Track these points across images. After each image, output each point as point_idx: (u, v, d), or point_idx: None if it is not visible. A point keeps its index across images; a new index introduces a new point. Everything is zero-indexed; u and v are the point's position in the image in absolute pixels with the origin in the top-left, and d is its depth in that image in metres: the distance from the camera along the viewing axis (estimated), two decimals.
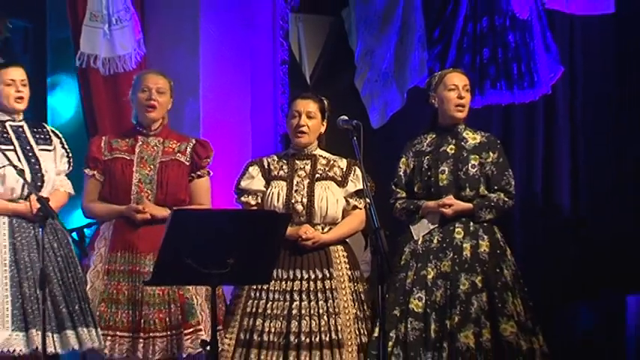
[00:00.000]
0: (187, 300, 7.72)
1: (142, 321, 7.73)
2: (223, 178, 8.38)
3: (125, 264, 7.72)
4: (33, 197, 7.46)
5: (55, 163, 7.85)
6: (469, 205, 7.95)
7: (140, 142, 7.92)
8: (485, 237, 7.98)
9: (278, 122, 9.17)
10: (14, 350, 7.46)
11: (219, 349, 7.55)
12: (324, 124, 7.99)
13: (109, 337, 7.71)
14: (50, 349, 7.43)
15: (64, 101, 10.17)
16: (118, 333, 7.72)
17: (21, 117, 7.84)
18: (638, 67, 9.41)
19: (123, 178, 7.85)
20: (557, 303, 8.99)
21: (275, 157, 8.03)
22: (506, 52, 9.42)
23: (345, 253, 7.95)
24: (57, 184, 7.81)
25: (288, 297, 7.77)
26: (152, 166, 7.86)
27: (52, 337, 7.36)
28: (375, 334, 7.75)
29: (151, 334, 7.74)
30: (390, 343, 7.79)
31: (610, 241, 9.33)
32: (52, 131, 8.01)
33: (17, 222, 7.62)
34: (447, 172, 8.00)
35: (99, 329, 7.67)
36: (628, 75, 9.46)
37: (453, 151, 8.06)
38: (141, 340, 7.74)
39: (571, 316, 9.05)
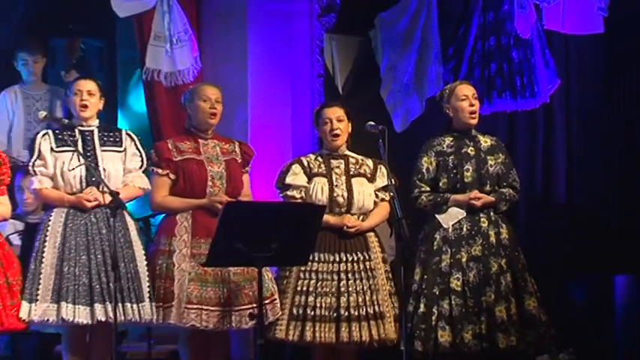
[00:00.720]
0: (262, 277, 7.62)
1: (230, 296, 7.80)
2: (267, 175, 8.44)
3: (208, 248, 7.60)
4: (92, 189, 7.57)
5: (123, 162, 7.86)
6: (492, 198, 8.05)
7: (201, 144, 7.95)
8: (504, 225, 8.10)
9: (314, 127, 8.89)
10: (51, 321, 7.45)
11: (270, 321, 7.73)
12: (350, 127, 8.08)
13: (203, 312, 7.71)
14: (100, 317, 7.42)
15: (133, 109, 10.40)
16: (210, 307, 7.72)
17: (92, 122, 7.86)
18: (625, 77, 9.42)
19: (199, 175, 7.86)
20: (554, 282, 8.98)
21: (312, 157, 8.09)
22: (511, 67, 9.50)
23: (377, 239, 8.05)
24: (129, 179, 7.84)
25: (335, 277, 7.83)
26: (219, 164, 7.90)
27: (115, 309, 7.23)
28: (421, 309, 7.91)
29: (238, 307, 7.79)
30: (434, 318, 7.89)
31: (600, 228, 9.38)
32: (128, 134, 8.02)
33: (72, 212, 7.64)
34: (471, 171, 8.09)
35: (153, 303, 7.69)
36: (615, 81, 9.47)
37: (473, 152, 8.15)
38: (230, 313, 7.79)
39: (566, 294, 9.09)
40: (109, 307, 7.39)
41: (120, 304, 7.47)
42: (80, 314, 7.44)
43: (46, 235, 7.59)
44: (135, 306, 7.60)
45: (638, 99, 9.34)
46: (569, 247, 9.55)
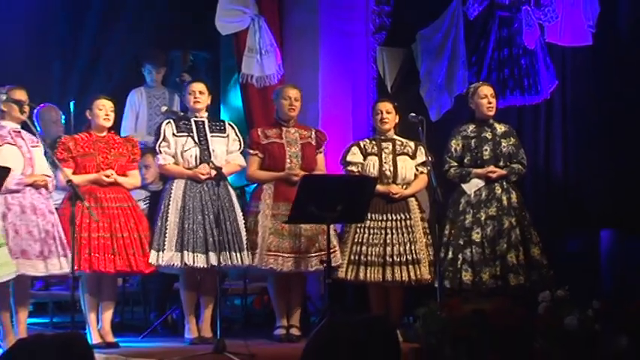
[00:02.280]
0: (319, 232, 7.82)
1: (301, 246, 7.93)
2: (334, 154, 8.49)
3: (285, 210, 7.75)
4: (205, 165, 7.72)
5: (226, 145, 8.00)
6: (504, 172, 8.16)
7: (284, 131, 8.11)
8: (514, 192, 8.19)
9: (369, 117, 8.90)
10: (175, 265, 7.66)
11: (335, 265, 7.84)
12: (397, 117, 8.18)
13: (279, 257, 7.87)
14: (213, 262, 7.59)
15: (232, 105, 10.54)
16: (284, 254, 7.87)
17: (202, 115, 7.99)
18: (608, 79, 9.33)
19: (279, 155, 8.02)
20: (554, 235, 8.94)
21: (367, 141, 8.22)
22: (520, 71, 9.48)
23: (417, 202, 8.14)
24: (230, 158, 7.98)
25: (383, 232, 7.98)
26: (296, 146, 8.06)
27: (218, 256, 7.46)
28: (449, 256, 8.03)
29: (308, 255, 7.94)
30: (459, 263, 8.00)
31: (589, 194, 9.39)
32: (229, 124, 8.21)
33: (190, 183, 7.81)
34: (488, 150, 8.18)
35: (247, 252, 7.83)
36: (601, 82, 9.37)
37: (490, 137, 8.23)
38: (301, 258, 7.94)
39: (563, 245, 9.02)
40: (220, 255, 7.54)
41: (227, 253, 7.70)
42: (198, 260, 7.65)
43: (169, 200, 7.77)
44: (237, 254, 7.77)
45: (619, 95, 9.23)
46: (565, 209, 9.51)
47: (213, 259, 7.60)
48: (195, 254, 7.68)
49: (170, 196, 7.82)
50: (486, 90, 8.31)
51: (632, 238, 8.68)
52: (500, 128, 8.33)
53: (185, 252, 7.68)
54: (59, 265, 7.37)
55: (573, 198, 9.55)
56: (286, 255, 7.90)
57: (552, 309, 6.94)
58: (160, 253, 7.70)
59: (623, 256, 8.77)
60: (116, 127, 8.28)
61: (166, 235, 7.72)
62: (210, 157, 7.81)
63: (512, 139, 8.33)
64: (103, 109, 7.81)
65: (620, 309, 6.89)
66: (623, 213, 8.97)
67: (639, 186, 9.01)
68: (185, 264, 7.67)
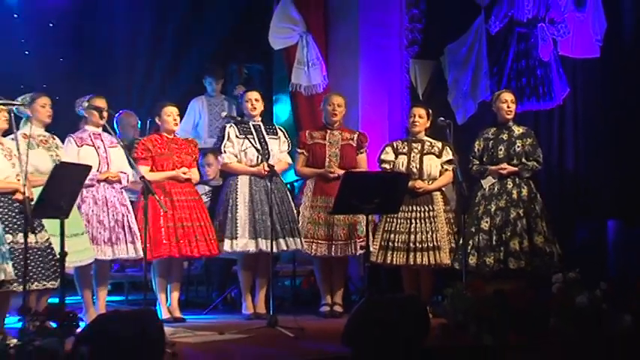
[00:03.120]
0: (358, 221, 7.90)
1: (333, 234, 7.98)
2: (372, 153, 8.46)
3: (322, 202, 7.97)
4: (264, 163, 7.73)
5: (279, 146, 8.05)
6: (516, 168, 8.09)
7: (328, 133, 8.15)
8: (525, 187, 8.09)
9: (403, 121, 8.94)
10: (250, 250, 7.75)
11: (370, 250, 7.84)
12: (428, 121, 8.16)
13: (313, 243, 7.98)
14: (283, 247, 7.81)
15: (283, 111, 10.54)
16: (319, 241, 7.98)
17: (258, 119, 8.05)
18: (614, 87, 9.25)
19: (320, 154, 8.10)
20: (567, 225, 8.87)
21: (399, 142, 8.22)
22: (536, 81, 9.39)
23: (442, 196, 8.11)
24: (281, 157, 8.05)
25: (408, 221, 7.97)
26: (337, 147, 8.11)
27: (272, 243, 7.46)
28: (461, 242, 7.92)
29: (339, 242, 8.00)
30: (469, 248, 7.93)
31: (597, 189, 9.29)
32: (280, 128, 8.27)
33: (254, 178, 7.89)
34: (503, 150, 8.11)
35: (302, 238, 7.93)
36: (608, 90, 9.27)
37: (506, 138, 8.17)
38: (332, 245, 8.00)
39: (575, 233, 8.97)
40: (280, 241, 7.70)
41: (283, 239, 7.80)
42: (267, 245, 7.64)
43: (236, 194, 7.84)
44: (291, 240, 7.85)
45: (623, 102, 9.15)
46: (575, 202, 9.41)
47: (282, 244, 7.79)
48: (265, 240, 7.72)
49: (237, 191, 7.88)
50: (507, 96, 8.27)
51: (635, 228, 8.63)
52: (517, 130, 8.26)
53: (259, 239, 7.74)
54: (126, 251, 7.46)
55: (583, 192, 9.45)
56: (320, 241, 7.99)
57: (565, 290, 6.88)
58: (234, 240, 7.77)
59: (626, 243, 8.72)
60: None
61: (238, 225, 7.78)
62: (269, 156, 7.86)
63: (529, 139, 8.25)
64: (171, 115, 7.88)
65: (624, 290, 6.85)
66: (627, 205, 8.89)
67: None
68: (260, 250, 7.72)
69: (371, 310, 5.98)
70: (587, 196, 9.40)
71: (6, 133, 6.72)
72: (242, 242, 7.75)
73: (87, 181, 7.13)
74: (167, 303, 7.85)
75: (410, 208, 8.00)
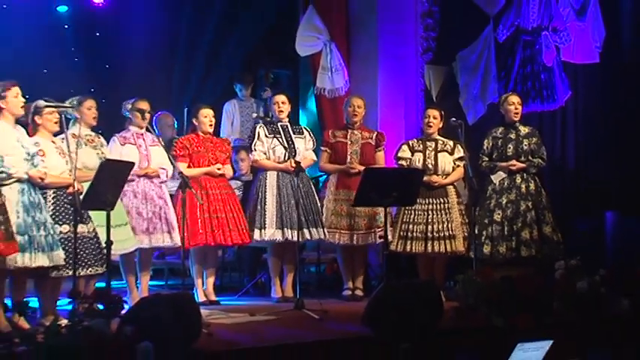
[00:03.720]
0: (378, 213, 7.86)
1: (355, 224, 7.97)
2: (390, 151, 8.42)
3: (344, 195, 7.96)
4: (292, 160, 7.73)
5: (304, 144, 8.05)
6: (524, 165, 8.07)
7: (349, 132, 8.15)
8: (532, 182, 8.09)
9: (418, 121, 8.97)
10: (277, 239, 7.76)
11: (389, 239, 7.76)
12: (441, 122, 8.13)
13: (337, 233, 8.00)
14: (307, 237, 7.80)
15: (308, 112, 10.52)
16: (342, 231, 8.00)
17: (285, 120, 8.05)
18: (613, 90, 9.25)
19: (342, 151, 8.10)
20: (569, 216, 8.85)
21: (415, 140, 8.19)
22: (540, 84, 9.37)
23: (454, 190, 8.08)
24: (307, 154, 8.06)
25: (425, 213, 7.94)
26: (357, 145, 8.10)
27: (299, 232, 7.53)
28: (476, 232, 7.89)
29: (360, 231, 8.00)
30: (483, 238, 7.94)
31: (597, 183, 9.26)
32: (305, 128, 8.30)
33: (281, 174, 7.90)
34: (511, 148, 8.09)
35: (325, 229, 7.94)
36: (607, 92, 9.29)
37: (514, 137, 8.13)
38: (354, 234, 8.01)
39: (576, 224, 8.92)
40: (304, 231, 7.69)
41: (307, 230, 7.80)
42: (294, 235, 7.67)
43: (265, 187, 7.84)
44: (314, 230, 7.85)
45: (621, 104, 9.15)
46: (576, 195, 9.38)
47: (307, 233, 7.77)
48: (291, 230, 7.73)
49: (266, 185, 7.89)
50: (514, 99, 8.26)
51: (631, 219, 8.62)
52: (524, 130, 8.23)
53: (285, 229, 7.76)
54: (162, 240, 7.46)
55: (583, 186, 9.42)
56: (343, 231, 8.00)
57: (567, 276, 6.93)
58: (263, 230, 7.78)
59: (623, 232, 8.71)
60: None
61: (266, 216, 7.78)
62: (295, 154, 7.87)
63: (534, 138, 8.22)
64: (207, 117, 7.88)
65: (621, 276, 6.87)
66: (624, 198, 8.87)
67: (637, 176, 8.91)
68: (287, 239, 7.73)
69: (389, 294, 5.99)
70: (587, 190, 9.36)
71: (57, 134, 6.74)
72: (270, 232, 7.77)
73: (129, 177, 7.15)
74: (203, 287, 7.85)
75: (427, 200, 7.97)
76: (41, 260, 6.14)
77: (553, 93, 9.37)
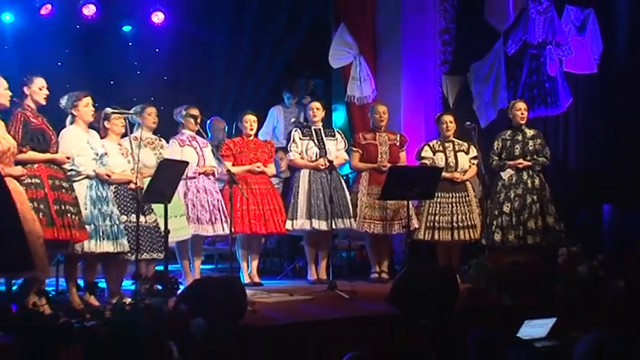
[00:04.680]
0: (403, 205, 7.64)
1: (386, 216, 7.91)
2: (412, 151, 8.36)
3: (376, 190, 7.79)
4: (322, 159, 7.75)
5: (336, 145, 8.01)
6: (529, 163, 8.00)
7: (377, 135, 8.09)
8: (537, 178, 8.01)
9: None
10: (306, 228, 7.71)
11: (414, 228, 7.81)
12: (455, 126, 8.11)
13: (371, 223, 7.92)
14: (323, 228, 7.68)
15: (340, 117, 10.47)
16: (375, 221, 7.93)
17: (319, 124, 8.01)
18: (610, 98, 9.22)
19: (372, 152, 8.04)
20: (571, 208, 8.77)
21: (435, 141, 8.16)
22: (545, 92, 9.29)
23: (471, 185, 8.07)
24: (339, 154, 8.00)
25: (449, 205, 7.92)
26: (385, 146, 8.05)
27: (330, 222, 7.50)
28: (487, 222, 7.85)
29: (392, 222, 7.93)
30: (494, 227, 7.88)
31: (595, 179, 9.20)
32: (337, 130, 8.25)
33: (313, 171, 7.86)
34: (518, 149, 8.01)
35: (352, 219, 7.86)
36: (605, 99, 9.22)
37: (521, 139, 8.05)
38: (386, 224, 7.93)
39: (577, 215, 8.89)
40: (334, 221, 7.61)
41: (340, 219, 7.77)
42: (322, 225, 7.68)
43: (299, 183, 7.81)
44: (346, 220, 7.83)
45: (617, 108, 9.11)
46: (577, 189, 9.32)
47: (336, 223, 7.71)
48: (319, 221, 7.72)
49: (299, 181, 7.88)
50: (521, 105, 8.20)
51: (626, 211, 8.60)
52: (529, 132, 8.16)
53: (313, 219, 7.74)
54: (222, 228, 7.47)
55: (583, 182, 9.36)
56: (376, 222, 7.92)
57: (568, 261, 6.89)
58: (294, 221, 7.78)
59: (618, 223, 8.69)
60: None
61: (297, 208, 7.78)
62: (326, 154, 7.85)
63: (539, 139, 8.15)
64: (249, 122, 7.89)
65: (617, 261, 6.84)
66: (619, 193, 8.80)
67: (632, 173, 8.84)
68: (314, 228, 7.73)
69: (411, 277, 5.99)
70: (587, 186, 9.28)
71: (123, 136, 6.84)
72: (300, 222, 7.77)
73: (191, 174, 7.33)
74: (248, 271, 7.86)
75: (450, 194, 7.95)
76: (106, 247, 6.25)
77: (556, 99, 9.30)
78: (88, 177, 6.31)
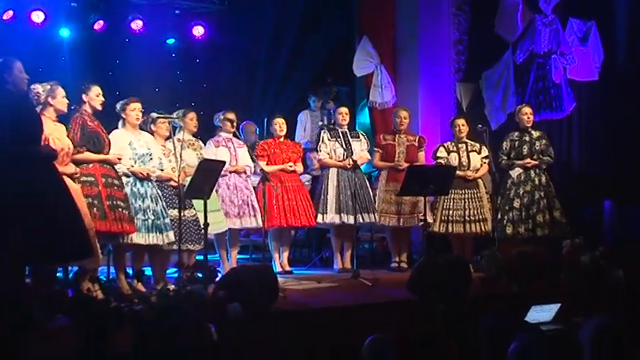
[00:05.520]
0: (419, 201, 7.70)
1: (401, 210, 7.90)
2: (429, 151, 8.32)
3: (393, 187, 7.83)
4: (349, 159, 7.75)
5: (360, 146, 8.02)
6: (537, 162, 7.97)
7: (397, 136, 8.09)
8: (544, 176, 8.00)
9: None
10: (335, 222, 7.74)
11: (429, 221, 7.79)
12: (467, 128, 8.07)
13: (388, 217, 7.95)
14: (362, 220, 7.73)
15: (363, 120, 10.41)
16: (391, 215, 7.94)
17: (345, 126, 8.01)
18: (611, 102, 9.08)
19: (390, 151, 8.04)
20: (574, 204, 8.60)
21: (449, 143, 8.13)
22: (550, 97, 9.20)
23: (482, 182, 8.02)
24: (362, 154, 8.00)
25: (462, 200, 7.89)
26: (403, 147, 8.04)
27: (355, 216, 7.54)
28: (498, 217, 7.84)
29: (405, 215, 7.94)
30: (505, 221, 7.86)
31: (597, 176, 9.06)
32: (361, 133, 8.26)
33: (340, 170, 7.84)
34: (526, 149, 7.98)
35: (375, 214, 7.87)
36: (606, 103, 9.10)
37: (528, 140, 8.03)
38: (401, 218, 7.94)
39: (580, 211, 8.72)
40: (358, 216, 7.63)
41: (364, 214, 7.78)
42: (349, 219, 7.68)
43: (327, 181, 7.83)
44: (366, 215, 7.81)
45: (615, 112, 9.00)
46: (580, 186, 9.16)
47: (360, 217, 7.72)
48: (347, 215, 7.72)
49: (328, 178, 7.89)
50: (527, 109, 8.19)
51: (626, 207, 8.50)
52: (535, 134, 8.14)
53: (342, 214, 7.74)
54: (249, 222, 7.49)
55: (586, 179, 9.24)
56: (392, 215, 7.93)
57: (572, 251, 6.84)
58: (325, 215, 7.79)
59: (618, 217, 8.58)
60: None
61: (327, 203, 7.78)
62: (351, 154, 7.83)
63: (544, 140, 8.14)
64: (278, 125, 7.90)
65: (617, 251, 6.80)
66: (619, 190, 8.69)
67: (631, 171, 8.74)
68: (343, 222, 7.72)
69: (428, 266, 5.96)
70: (589, 183, 9.16)
71: (167, 139, 6.92)
72: (330, 216, 7.77)
73: (222, 172, 7.23)
74: (280, 260, 7.87)
75: (463, 191, 7.92)
76: (150, 239, 6.29)
77: (560, 104, 9.22)
78: (125, 175, 6.32)
